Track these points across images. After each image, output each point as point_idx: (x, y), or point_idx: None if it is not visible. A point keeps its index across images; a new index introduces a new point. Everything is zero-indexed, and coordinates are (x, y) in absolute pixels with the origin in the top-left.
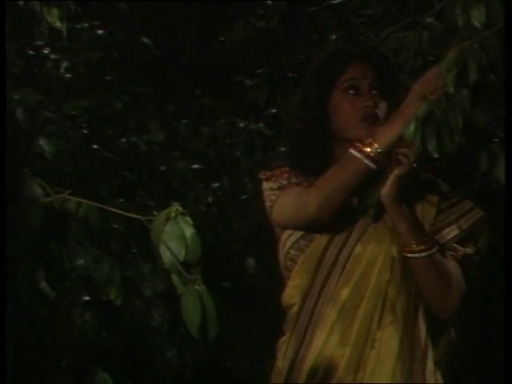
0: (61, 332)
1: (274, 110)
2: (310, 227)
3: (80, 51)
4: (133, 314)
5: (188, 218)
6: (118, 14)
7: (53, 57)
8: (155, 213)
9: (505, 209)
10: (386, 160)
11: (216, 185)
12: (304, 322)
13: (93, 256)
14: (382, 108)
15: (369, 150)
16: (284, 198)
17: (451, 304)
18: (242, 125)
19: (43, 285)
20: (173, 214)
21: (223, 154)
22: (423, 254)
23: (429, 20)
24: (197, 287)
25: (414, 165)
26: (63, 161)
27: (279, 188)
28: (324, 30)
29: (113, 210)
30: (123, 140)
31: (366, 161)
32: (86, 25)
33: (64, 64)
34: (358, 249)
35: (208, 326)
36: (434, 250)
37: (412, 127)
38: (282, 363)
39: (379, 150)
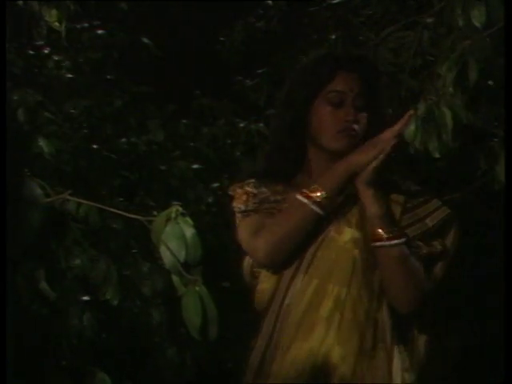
0: (61, 332)
1: (273, 110)
2: (266, 268)
3: (80, 51)
4: (132, 314)
5: (188, 219)
6: (117, 14)
7: (53, 57)
8: (155, 212)
9: (505, 209)
10: (332, 205)
11: (216, 185)
12: (270, 325)
13: (90, 256)
14: (361, 122)
15: (315, 195)
16: (241, 233)
17: (411, 299)
18: (242, 125)
19: (43, 285)
20: (173, 215)
21: (223, 154)
22: (392, 243)
23: (429, 20)
24: (197, 288)
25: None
26: (63, 161)
27: (239, 212)
28: (324, 29)
29: (112, 210)
30: (123, 140)
31: (312, 206)
32: (86, 25)
33: (64, 64)
34: (322, 251)
35: (208, 327)
36: (402, 240)
37: (412, 127)
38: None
39: (325, 196)
